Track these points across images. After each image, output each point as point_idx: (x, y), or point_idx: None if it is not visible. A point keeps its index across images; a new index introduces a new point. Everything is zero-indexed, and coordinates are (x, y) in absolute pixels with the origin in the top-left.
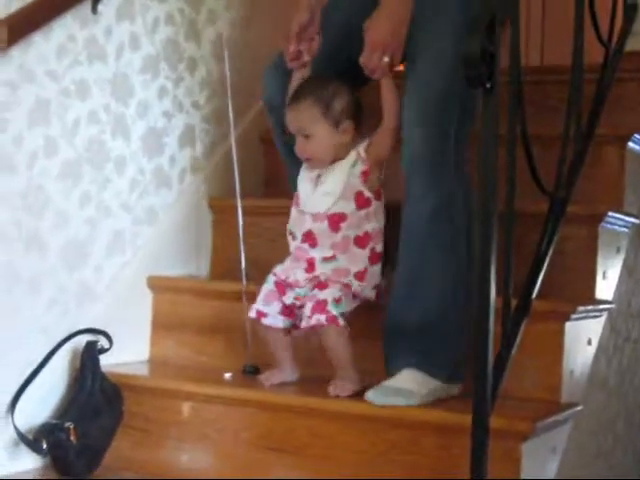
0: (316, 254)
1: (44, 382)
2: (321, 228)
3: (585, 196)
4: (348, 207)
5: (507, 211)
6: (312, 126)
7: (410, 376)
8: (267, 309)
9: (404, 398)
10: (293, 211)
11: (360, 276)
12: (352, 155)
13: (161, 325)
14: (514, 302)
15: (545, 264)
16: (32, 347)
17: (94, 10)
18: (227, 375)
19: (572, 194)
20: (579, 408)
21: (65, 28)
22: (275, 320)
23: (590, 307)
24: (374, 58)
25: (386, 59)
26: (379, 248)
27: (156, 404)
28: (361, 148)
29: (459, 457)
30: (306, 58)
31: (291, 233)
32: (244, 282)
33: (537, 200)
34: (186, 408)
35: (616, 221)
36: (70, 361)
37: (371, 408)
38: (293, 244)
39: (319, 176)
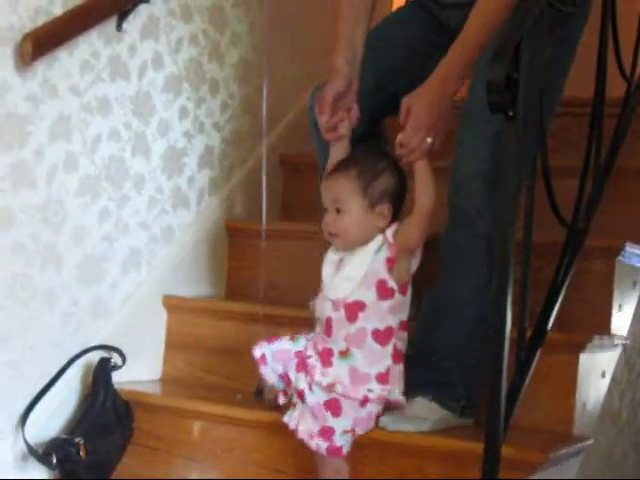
0: (333, 346)
1: (56, 397)
2: (338, 316)
3: (603, 229)
4: (368, 296)
5: (524, 241)
6: (348, 201)
7: (422, 404)
8: (271, 362)
9: (414, 425)
10: (319, 296)
11: (382, 378)
12: (378, 239)
13: (174, 344)
14: (529, 332)
15: (561, 295)
16: (45, 361)
17: (119, 28)
18: (238, 397)
19: (590, 226)
20: (590, 441)
21: (89, 44)
22: (270, 377)
23: (605, 340)
24: (415, 139)
25: (429, 140)
26: (401, 345)
27: (167, 422)
28: (389, 232)
29: None
30: (343, 131)
31: (318, 319)
32: (260, 305)
33: (555, 231)
34: (196, 427)
35: (633, 255)
36: (82, 376)
37: (380, 434)
38: (317, 329)
39: (341, 259)
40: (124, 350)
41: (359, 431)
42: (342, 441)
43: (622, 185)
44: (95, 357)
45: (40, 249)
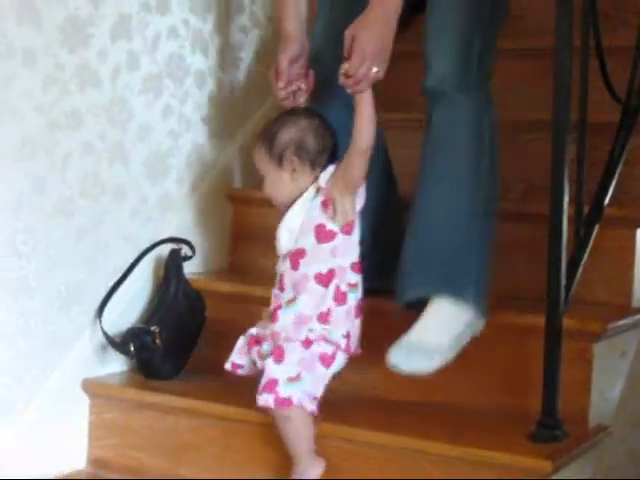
0: (282, 299)
1: (130, 289)
2: (286, 268)
3: None
4: (307, 242)
5: (580, 120)
6: (263, 167)
7: (435, 314)
8: (242, 361)
9: (426, 361)
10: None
11: (323, 318)
12: (312, 187)
13: (240, 235)
14: (586, 209)
15: (617, 172)
16: (118, 255)
17: None
18: None
19: None
20: None
21: None
22: (250, 370)
23: None
24: (363, 69)
25: (375, 69)
26: (344, 287)
27: (237, 309)
28: (322, 178)
29: (533, 358)
30: (300, 99)
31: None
32: None
33: (609, 111)
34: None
35: None
36: (155, 269)
37: None
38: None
39: (285, 215)
40: (192, 242)
41: (307, 376)
42: (289, 391)
43: None
44: (165, 250)
45: (108, 147)
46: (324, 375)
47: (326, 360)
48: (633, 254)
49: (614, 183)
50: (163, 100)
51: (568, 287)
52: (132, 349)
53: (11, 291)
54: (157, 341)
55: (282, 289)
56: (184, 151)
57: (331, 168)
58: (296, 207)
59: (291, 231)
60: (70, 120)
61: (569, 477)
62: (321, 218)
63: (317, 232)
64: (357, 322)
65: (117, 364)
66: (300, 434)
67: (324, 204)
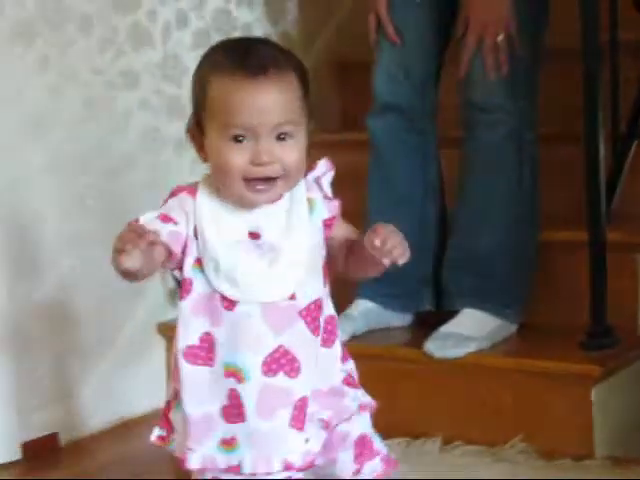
0: (304, 388)
1: None
2: (296, 333)
3: None
4: (319, 285)
5: (610, 40)
6: (297, 119)
7: (474, 317)
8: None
9: (461, 349)
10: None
11: (349, 382)
12: (300, 189)
13: None
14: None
15: None
16: (89, 88)
17: None
18: None
19: None
20: None
21: None
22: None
23: None
24: (488, 38)
25: (500, 37)
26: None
27: None
28: (325, 180)
29: (582, 273)
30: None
31: (232, 370)
32: None
33: None
34: None
35: None
36: None
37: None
38: (242, 389)
39: (255, 230)
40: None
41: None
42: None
43: None
44: None
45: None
46: None
47: None
48: None
49: None
50: None
51: (609, 199)
52: None
53: (76, 244)
54: None
55: (296, 371)
56: None
57: (324, 166)
58: (293, 219)
59: (297, 264)
60: (126, 79)
61: (621, 382)
62: (323, 244)
63: (324, 267)
64: None
65: None
66: None
67: (329, 223)
